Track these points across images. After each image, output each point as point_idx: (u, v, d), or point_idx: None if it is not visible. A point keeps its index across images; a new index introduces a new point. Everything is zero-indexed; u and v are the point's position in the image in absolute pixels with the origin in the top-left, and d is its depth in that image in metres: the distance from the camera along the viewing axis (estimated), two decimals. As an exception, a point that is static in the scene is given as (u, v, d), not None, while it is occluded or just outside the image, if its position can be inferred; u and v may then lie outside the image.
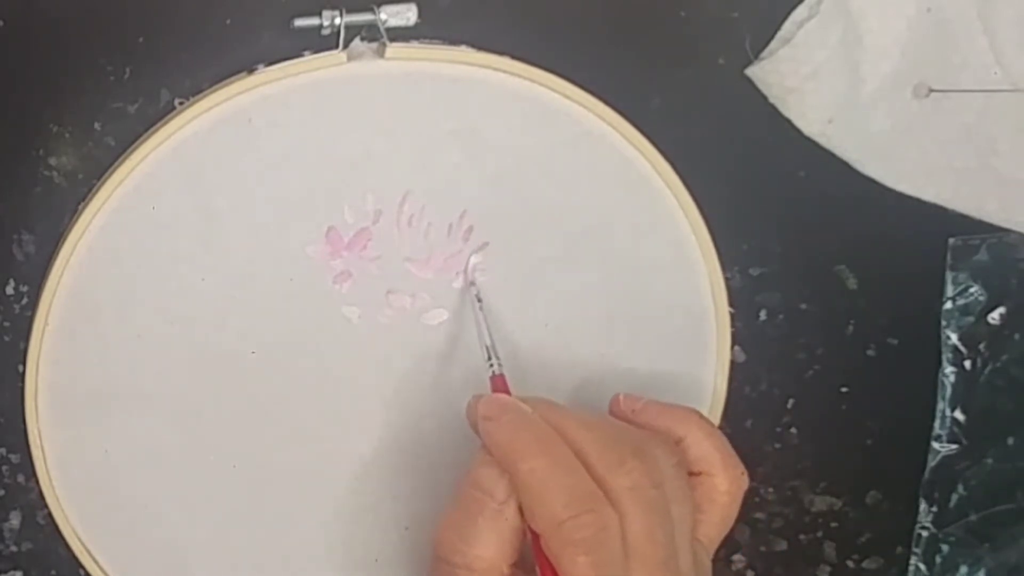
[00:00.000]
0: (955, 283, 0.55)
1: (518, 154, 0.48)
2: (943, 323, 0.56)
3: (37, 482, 0.48)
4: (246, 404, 0.48)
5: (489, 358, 0.46)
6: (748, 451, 0.56)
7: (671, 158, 0.49)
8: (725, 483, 0.45)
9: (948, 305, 0.55)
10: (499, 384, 0.45)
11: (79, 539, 0.49)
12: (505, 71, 0.47)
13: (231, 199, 0.46)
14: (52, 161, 0.51)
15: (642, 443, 0.42)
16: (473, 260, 0.49)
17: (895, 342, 0.57)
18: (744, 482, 0.45)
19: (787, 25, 0.52)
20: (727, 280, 0.50)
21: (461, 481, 0.42)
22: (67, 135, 0.51)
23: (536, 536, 0.40)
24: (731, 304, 0.51)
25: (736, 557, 0.58)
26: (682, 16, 0.52)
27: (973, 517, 0.57)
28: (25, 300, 0.52)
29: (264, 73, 0.45)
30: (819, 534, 0.58)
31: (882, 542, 0.58)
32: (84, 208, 0.46)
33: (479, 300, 0.48)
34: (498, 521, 0.41)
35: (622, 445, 0.42)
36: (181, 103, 0.50)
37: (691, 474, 0.44)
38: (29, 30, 0.49)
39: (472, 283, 0.49)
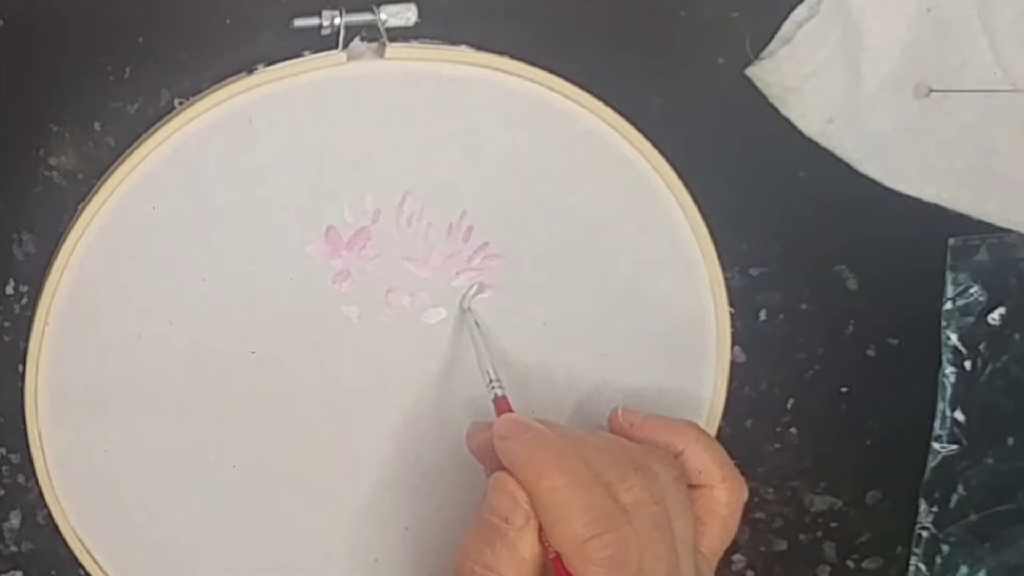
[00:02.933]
0: (955, 283, 0.55)
1: (518, 154, 0.48)
2: (943, 323, 0.56)
3: (37, 482, 0.48)
4: (246, 404, 0.48)
5: (490, 381, 0.46)
6: (748, 451, 0.56)
7: (671, 158, 0.49)
8: (725, 495, 0.45)
9: (948, 305, 0.55)
10: (503, 406, 0.45)
11: (79, 539, 0.49)
12: (505, 71, 0.47)
13: (231, 199, 0.46)
14: (52, 161, 0.51)
15: (642, 458, 0.42)
16: (473, 290, 0.49)
17: (895, 342, 0.57)
18: (743, 493, 0.45)
19: (787, 25, 0.52)
20: (727, 280, 0.50)
21: (478, 508, 0.42)
22: (67, 135, 0.51)
23: (557, 554, 0.40)
24: (731, 304, 0.51)
25: (736, 557, 0.58)
26: (682, 16, 0.52)
27: (973, 517, 0.57)
28: (25, 300, 0.52)
29: (264, 73, 0.45)
30: (819, 534, 0.58)
31: (882, 542, 0.58)
32: (84, 208, 0.46)
33: (477, 325, 0.48)
34: (517, 547, 0.41)
35: (624, 460, 0.42)
36: (181, 103, 0.50)
37: (691, 487, 0.44)
38: (29, 30, 0.49)
39: (468, 308, 0.49)
